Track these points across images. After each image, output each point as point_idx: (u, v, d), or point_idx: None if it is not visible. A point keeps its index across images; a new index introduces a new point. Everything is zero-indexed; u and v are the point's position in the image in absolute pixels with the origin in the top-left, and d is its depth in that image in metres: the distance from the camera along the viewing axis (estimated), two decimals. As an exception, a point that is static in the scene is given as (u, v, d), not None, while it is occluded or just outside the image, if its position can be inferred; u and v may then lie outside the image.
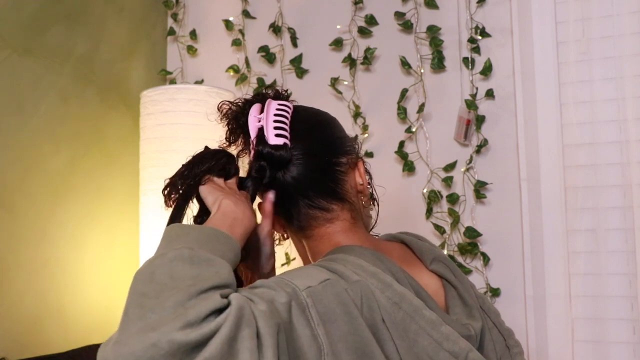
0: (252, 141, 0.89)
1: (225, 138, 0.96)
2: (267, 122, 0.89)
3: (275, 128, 0.89)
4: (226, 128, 0.96)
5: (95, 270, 1.72)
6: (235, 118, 0.94)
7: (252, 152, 0.89)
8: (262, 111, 0.91)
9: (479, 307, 0.91)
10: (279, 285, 0.70)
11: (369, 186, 0.96)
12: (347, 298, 0.72)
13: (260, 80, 1.95)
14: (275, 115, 0.90)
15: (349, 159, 0.93)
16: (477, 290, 0.97)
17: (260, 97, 0.95)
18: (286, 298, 0.68)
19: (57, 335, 1.57)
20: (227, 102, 0.96)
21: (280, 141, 0.88)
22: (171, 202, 0.86)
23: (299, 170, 0.89)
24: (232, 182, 0.89)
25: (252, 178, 0.90)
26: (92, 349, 1.48)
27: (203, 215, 0.85)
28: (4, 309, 1.44)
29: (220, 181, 0.87)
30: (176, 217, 0.82)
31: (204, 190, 0.85)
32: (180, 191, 0.86)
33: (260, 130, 0.89)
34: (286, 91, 0.97)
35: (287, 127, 0.90)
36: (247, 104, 0.94)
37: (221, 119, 0.96)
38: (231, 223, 0.78)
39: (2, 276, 1.44)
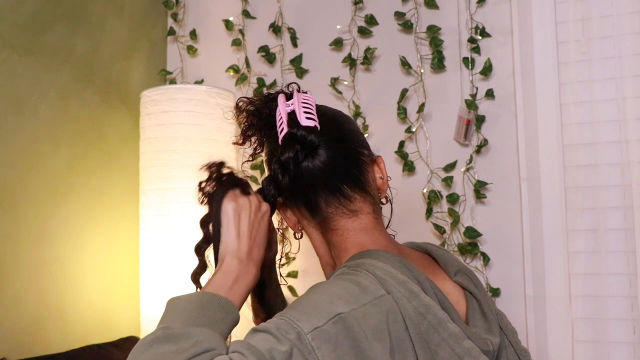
0: (283, 126, 0.90)
1: (242, 133, 0.97)
2: (298, 107, 0.91)
3: (305, 112, 0.90)
4: (243, 124, 0.97)
5: (95, 270, 1.72)
6: (258, 111, 0.95)
7: (282, 136, 0.90)
8: (288, 100, 0.93)
9: (498, 323, 0.91)
10: (282, 332, 0.70)
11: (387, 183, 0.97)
12: (359, 330, 0.71)
13: (260, 80, 1.95)
14: (302, 103, 0.92)
15: (369, 152, 0.96)
16: (496, 307, 0.96)
17: (281, 91, 0.97)
18: (287, 346, 0.68)
19: (57, 335, 1.57)
20: (245, 98, 0.97)
21: (311, 123, 0.89)
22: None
23: (328, 155, 0.90)
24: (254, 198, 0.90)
25: (282, 167, 0.89)
26: (92, 349, 1.48)
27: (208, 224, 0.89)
28: (4, 309, 1.44)
29: (242, 200, 0.88)
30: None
31: (225, 213, 0.87)
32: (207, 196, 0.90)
33: (292, 114, 0.91)
34: (306, 92, 0.99)
35: (315, 114, 0.91)
36: (270, 97, 0.96)
37: (239, 115, 0.97)
38: (232, 282, 0.82)
39: (2, 276, 1.44)
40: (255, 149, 0.99)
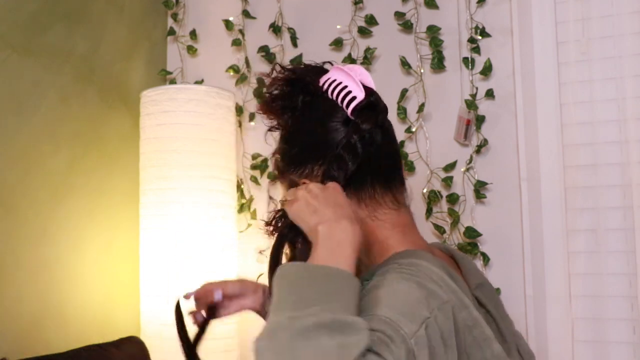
0: (353, 93, 0.79)
1: (270, 101, 0.85)
2: (358, 71, 0.83)
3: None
4: (276, 88, 0.85)
5: (95, 270, 1.72)
6: (302, 77, 0.85)
7: (357, 104, 0.79)
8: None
9: (516, 346, 0.85)
10: (394, 332, 0.63)
11: None
12: (436, 338, 0.66)
13: (261, 81, 1.95)
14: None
15: None
16: (515, 328, 0.90)
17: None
18: (403, 350, 0.63)
19: (57, 335, 1.57)
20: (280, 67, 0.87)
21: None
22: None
23: (383, 135, 0.82)
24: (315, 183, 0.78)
25: (361, 137, 0.78)
26: (92, 349, 1.48)
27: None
28: (4, 309, 1.44)
29: (306, 187, 0.76)
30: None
31: (290, 213, 0.75)
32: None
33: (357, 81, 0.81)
34: None
35: None
36: (313, 66, 0.88)
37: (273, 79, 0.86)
38: (348, 253, 0.69)
39: (2, 276, 1.44)
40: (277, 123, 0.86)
